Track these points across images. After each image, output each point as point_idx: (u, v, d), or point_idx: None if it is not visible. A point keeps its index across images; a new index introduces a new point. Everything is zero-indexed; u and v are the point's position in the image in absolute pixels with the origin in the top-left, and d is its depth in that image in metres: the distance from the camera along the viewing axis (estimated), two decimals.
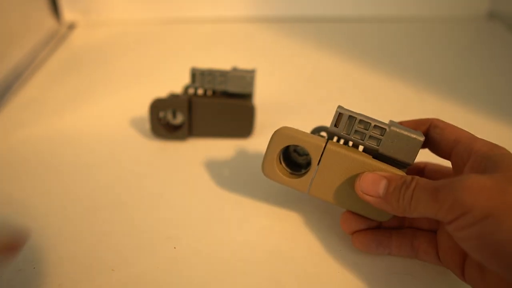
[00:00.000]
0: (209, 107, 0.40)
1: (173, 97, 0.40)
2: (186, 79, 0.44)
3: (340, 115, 0.28)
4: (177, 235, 0.32)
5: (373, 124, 0.27)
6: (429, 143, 0.29)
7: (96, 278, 0.28)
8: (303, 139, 0.28)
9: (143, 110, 0.44)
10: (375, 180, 0.26)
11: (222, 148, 0.41)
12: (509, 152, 0.24)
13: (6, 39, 0.56)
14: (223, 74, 0.39)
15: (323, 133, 0.32)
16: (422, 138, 0.27)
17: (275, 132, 0.29)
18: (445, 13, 0.73)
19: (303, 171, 0.30)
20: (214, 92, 0.41)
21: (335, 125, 0.28)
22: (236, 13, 0.72)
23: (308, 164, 0.30)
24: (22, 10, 0.60)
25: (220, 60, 0.58)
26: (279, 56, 0.61)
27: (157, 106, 0.40)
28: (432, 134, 0.28)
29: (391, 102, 0.50)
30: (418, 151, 0.27)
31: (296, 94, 0.52)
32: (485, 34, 0.69)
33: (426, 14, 0.73)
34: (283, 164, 0.31)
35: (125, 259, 0.30)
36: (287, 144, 0.29)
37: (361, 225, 0.29)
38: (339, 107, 0.28)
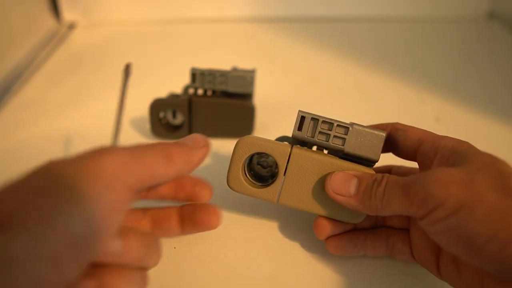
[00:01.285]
0: (209, 107, 0.40)
1: (173, 97, 0.40)
2: (186, 79, 0.44)
3: (302, 118, 0.28)
4: (176, 236, 0.32)
5: (336, 124, 0.27)
6: (393, 147, 0.29)
7: None
8: (268, 146, 0.27)
9: (143, 110, 0.44)
10: (345, 179, 0.26)
11: (222, 148, 0.41)
12: (473, 146, 0.24)
13: (6, 39, 0.56)
14: (223, 74, 0.39)
15: (286, 142, 0.32)
16: (384, 133, 0.27)
17: (239, 140, 0.28)
18: (445, 13, 0.73)
19: (269, 181, 0.29)
20: (214, 92, 0.41)
21: (299, 129, 0.28)
22: (236, 13, 0.72)
23: (273, 176, 0.29)
24: (22, 10, 0.60)
25: (220, 60, 0.58)
26: (279, 56, 0.61)
27: (157, 106, 0.40)
28: (395, 137, 0.28)
29: (391, 102, 0.50)
30: (382, 146, 0.27)
31: (296, 94, 0.52)
32: (485, 34, 0.69)
33: (426, 14, 0.73)
34: (249, 177, 0.29)
35: None
36: (252, 152, 0.28)
37: (335, 229, 0.29)
38: (301, 111, 0.28)
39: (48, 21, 0.68)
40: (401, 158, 0.29)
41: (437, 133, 0.28)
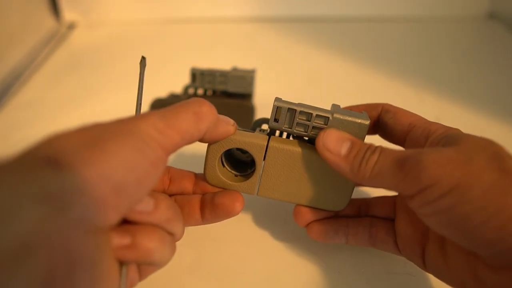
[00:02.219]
0: None
1: (173, 97, 0.40)
2: (186, 79, 0.44)
3: (278, 109, 0.26)
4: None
5: (315, 114, 0.25)
6: (381, 129, 0.28)
7: None
8: (243, 141, 0.26)
9: (143, 110, 0.44)
10: (339, 139, 0.25)
11: None
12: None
13: (5, 39, 0.55)
14: (223, 74, 0.39)
15: (265, 126, 0.30)
16: (367, 122, 0.25)
17: None
18: (445, 13, 0.73)
19: (249, 170, 0.28)
20: (214, 92, 0.41)
21: (275, 120, 0.26)
22: (236, 13, 0.72)
23: (253, 161, 0.28)
24: (22, 10, 0.60)
25: (220, 60, 0.58)
26: (279, 56, 0.61)
27: (157, 106, 0.40)
28: (384, 119, 0.27)
29: (391, 102, 0.49)
30: (365, 135, 0.26)
31: (296, 94, 0.51)
32: (485, 34, 0.69)
33: (426, 14, 0.73)
34: (227, 167, 0.28)
35: None
36: (226, 149, 0.27)
37: (315, 216, 0.28)
38: (277, 99, 0.26)
39: (48, 21, 0.68)
40: (388, 141, 0.28)
41: None
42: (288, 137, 0.28)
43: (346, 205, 0.28)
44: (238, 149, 0.28)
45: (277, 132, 0.28)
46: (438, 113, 0.47)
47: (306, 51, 0.62)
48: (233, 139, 0.26)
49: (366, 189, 0.35)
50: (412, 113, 0.27)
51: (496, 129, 0.44)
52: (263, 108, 0.45)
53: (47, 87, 0.53)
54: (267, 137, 0.27)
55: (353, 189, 0.27)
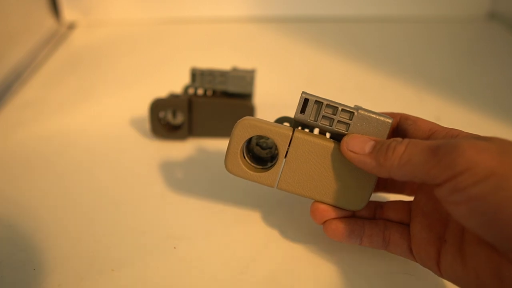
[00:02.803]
0: (209, 107, 0.40)
1: (173, 97, 0.40)
2: (186, 79, 0.44)
3: (306, 101, 0.26)
4: (177, 235, 0.32)
5: (340, 108, 0.26)
6: (400, 135, 0.28)
7: (96, 278, 0.28)
8: (269, 129, 0.26)
9: (143, 110, 0.44)
10: (363, 140, 0.25)
11: (222, 148, 0.41)
12: None
13: (6, 39, 0.56)
14: (223, 74, 0.39)
15: (287, 124, 0.31)
16: (390, 120, 0.26)
17: (238, 122, 0.27)
18: (445, 13, 0.73)
19: (268, 164, 0.28)
20: (214, 92, 0.41)
21: (301, 112, 0.26)
22: (236, 13, 0.72)
23: (272, 158, 0.28)
24: (22, 10, 0.60)
25: (220, 60, 0.58)
26: (279, 56, 0.61)
27: (157, 106, 0.40)
28: (404, 126, 0.27)
29: (391, 102, 0.50)
30: (387, 133, 0.26)
31: (296, 94, 0.51)
32: (485, 34, 0.69)
33: (426, 14, 0.73)
34: (247, 159, 0.28)
35: (125, 259, 0.30)
36: (251, 135, 0.26)
37: (332, 214, 0.28)
38: (304, 92, 0.26)
39: (48, 21, 0.68)
40: None
41: None
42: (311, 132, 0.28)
43: (365, 205, 0.28)
44: (258, 144, 0.29)
45: (299, 128, 0.28)
46: (438, 113, 0.47)
47: (306, 51, 0.62)
48: (259, 126, 0.26)
49: (381, 194, 0.34)
50: (431, 121, 0.27)
51: (496, 129, 0.44)
52: (263, 108, 0.45)
53: (47, 87, 0.53)
54: (292, 128, 0.27)
55: (373, 189, 0.27)
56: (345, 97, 0.51)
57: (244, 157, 0.28)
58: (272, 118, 0.46)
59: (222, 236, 0.32)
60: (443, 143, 0.21)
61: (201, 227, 0.33)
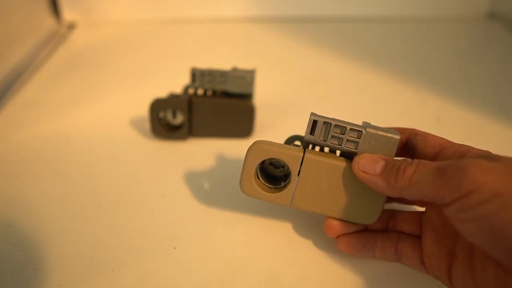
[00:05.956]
0: (209, 107, 0.40)
1: (173, 97, 0.40)
2: (186, 79, 0.44)
3: (315, 122, 0.27)
4: (177, 235, 0.32)
5: (348, 127, 0.27)
6: (409, 151, 0.28)
7: (96, 278, 0.28)
8: (280, 151, 0.27)
9: (143, 110, 0.44)
10: (373, 159, 0.26)
11: (222, 148, 0.41)
12: None
13: (6, 39, 0.56)
14: (223, 74, 0.39)
15: (297, 142, 0.32)
16: (398, 136, 0.26)
17: (250, 147, 0.28)
18: (445, 13, 0.73)
19: (282, 183, 0.29)
20: (214, 92, 0.41)
21: (311, 133, 0.27)
22: (236, 13, 0.72)
23: (285, 176, 0.30)
24: (22, 10, 0.60)
25: (220, 60, 0.58)
26: (279, 56, 0.61)
27: (157, 106, 0.40)
28: (413, 142, 0.28)
29: (391, 102, 0.50)
30: (395, 149, 0.27)
31: (296, 94, 0.52)
32: (485, 34, 0.69)
33: (426, 14, 0.73)
34: (261, 179, 0.29)
35: (125, 259, 0.30)
36: (264, 158, 0.28)
37: (345, 229, 0.29)
38: (313, 114, 0.27)
39: (48, 21, 0.68)
40: None
41: (437, 133, 0.28)
42: (322, 151, 0.29)
43: (377, 219, 0.28)
44: (271, 164, 0.30)
45: (310, 146, 0.29)
46: (438, 113, 0.47)
47: (306, 51, 0.62)
48: (271, 150, 0.27)
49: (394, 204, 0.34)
50: (441, 137, 0.27)
51: (496, 129, 0.44)
52: (263, 108, 0.45)
53: (47, 87, 0.53)
54: (303, 149, 0.28)
55: (384, 203, 0.28)
56: (345, 97, 0.51)
57: (258, 178, 0.29)
58: (272, 118, 0.46)
59: (222, 236, 0.32)
60: (450, 163, 0.22)
61: (201, 227, 0.33)
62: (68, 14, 0.70)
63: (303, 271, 0.29)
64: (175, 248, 0.31)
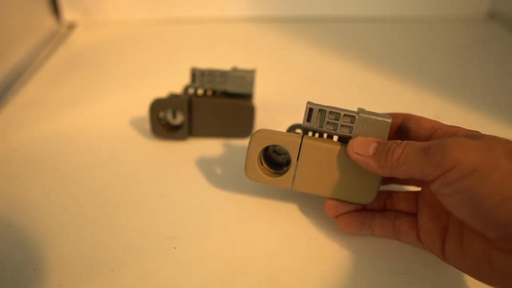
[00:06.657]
0: (209, 107, 0.40)
1: (173, 97, 0.40)
2: (186, 79, 0.44)
3: (310, 110, 0.29)
4: (177, 235, 0.32)
5: (342, 113, 0.28)
6: (403, 134, 0.30)
7: (96, 278, 0.28)
8: (280, 138, 0.29)
9: (143, 110, 0.44)
10: (366, 142, 0.28)
11: (222, 148, 0.41)
12: None
13: (6, 39, 0.56)
14: (223, 74, 0.39)
15: (298, 130, 0.34)
16: (389, 120, 0.28)
17: (252, 135, 0.30)
18: (445, 13, 0.73)
19: (284, 169, 0.31)
20: (214, 92, 0.41)
21: (308, 120, 0.29)
22: (236, 13, 0.72)
23: (288, 162, 0.31)
24: (22, 10, 0.60)
25: (220, 60, 0.58)
26: (279, 56, 0.61)
27: (157, 106, 0.40)
28: (407, 126, 0.29)
29: (391, 102, 0.50)
30: (388, 132, 0.28)
31: (296, 94, 0.52)
32: (485, 34, 0.69)
33: (426, 14, 0.73)
34: (265, 165, 0.32)
35: (125, 259, 0.30)
36: (265, 145, 0.30)
37: (344, 208, 0.31)
38: (309, 102, 0.29)
39: (48, 21, 0.68)
40: None
41: None
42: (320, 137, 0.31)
43: (374, 198, 0.30)
44: (274, 151, 0.32)
45: (310, 133, 0.31)
46: (438, 113, 0.47)
47: (306, 51, 0.62)
48: (272, 137, 0.29)
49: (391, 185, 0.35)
50: (434, 120, 0.29)
51: (496, 129, 0.44)
52: (263, 108, 0.45)
53: (47, 87, 0.53)
54: (301, 135, 0.30)
55: (380, 183, 0.29)
56: (345, 97, 0.51)
57: (262, 164, 0.31)
58: (272, 118, 0.46)
59: (222, 236, 0.32)
60: (434, 143, 0.24)
61: (201, 227, 0.33)
62: (68, 14, 0.70)
63: (303, 271, 0.29)
64: (175, 248, 0.31)
